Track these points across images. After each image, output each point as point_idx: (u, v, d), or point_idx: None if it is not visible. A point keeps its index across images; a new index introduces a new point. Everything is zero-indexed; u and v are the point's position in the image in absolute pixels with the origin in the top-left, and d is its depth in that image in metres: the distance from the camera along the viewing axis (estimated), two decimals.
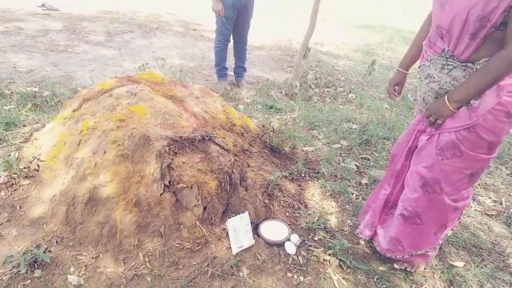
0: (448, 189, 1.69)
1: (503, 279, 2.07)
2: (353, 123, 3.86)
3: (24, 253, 1.75)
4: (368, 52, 7.37)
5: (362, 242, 2.22)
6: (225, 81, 4.59)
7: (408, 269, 2.03)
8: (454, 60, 1.51)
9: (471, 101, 1.50)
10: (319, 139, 3.47)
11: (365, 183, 2.84)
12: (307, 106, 4.22)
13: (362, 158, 3.22)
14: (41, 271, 1.72)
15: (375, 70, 5.75)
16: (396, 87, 2.01)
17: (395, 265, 2.06)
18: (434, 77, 1.60)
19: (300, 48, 4.37)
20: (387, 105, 4.55)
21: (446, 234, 1.94)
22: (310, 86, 4.94)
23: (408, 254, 1.94)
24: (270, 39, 7.24)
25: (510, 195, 2.91)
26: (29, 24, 5.88)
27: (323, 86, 5.06)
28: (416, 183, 1.75)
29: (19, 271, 1.69)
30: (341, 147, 3.36)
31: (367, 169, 3.04)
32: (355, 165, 3.08)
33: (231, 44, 4.44)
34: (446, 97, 1.54)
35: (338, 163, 3.06)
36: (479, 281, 2.04)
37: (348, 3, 13.30)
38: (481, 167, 1.65)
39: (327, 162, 3.01)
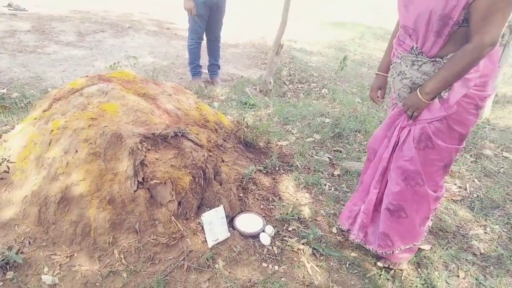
0: (431, 180, 1.75)
1: (466, 259, 2.20)
2: (326, 117, 3.95)
3: None
4: (340, 48, 7.51)
5: (335, 230, 2.30)
6: (199, 79, 4.60)
7: (391, 267, 2.03)
8: (423, 56, 1.57)
9: (442, 93, 1.57)
10: (293, 134, 3.54)
11: (338, 174, 2.92)
12: (281, 102, 4.29)
13: (334, 150, 3.31)
14: (14, 273, 1.71)
15: (347, 65, 5.88)
16: (379, 91, 2.01)
17: (379, 263, 2.05)
18: (406, 74, 1.66)
19: (273, 45, 4.43)
20: (358, 99, 4.68)
21: (428, 225, 2.00)
22: (284, 83, 5.02)
23: (398, 249, 1.93)
24: (244, 37, 7.28)
25: (474, 181, 3.06)
26: None
27: (297, 82, 5.14)
28: (399, 177, 1.78)
29: None
30: (314, 141, 3.44)
31: (340, 161, 3.13)
32: (328, 157, 3.16)
33: (204, 42, 4.46)
34: (418, 90, 1.60)
35: (312, 156, 3.14)
36: (445, 262, 2.16)
37: (320, 1, 13.47)
38: (454, 157, 1.73)
39: (300, 155, 3.08)
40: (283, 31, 4.26)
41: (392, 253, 1.95)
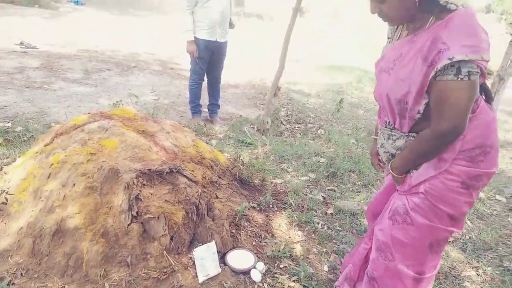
0: (404, 258, 1.57)
1: None
2: (321, 156, 4.03)
3: None
4: (337, 91, 7.75)
5: (326, 269, 2.31)
6: (199, 117, 4.75)
7: None
8: (397, 131, 1.52)
9: (410, 170, 1.50)
10: (288, 172, 3.61)
11: (331, 213, 2.96)
12: (278, 141, 4.39)
13: (328, 189, 3.37)
14: None
15: (344, 107, 6.06)
16: (379, 157, 1.83)
17: None
18: (384, 146, 1.61)
19: (271, 87, 4.62)
20: (353, 140, 4.79)
21: None
22: (281, 122, 5.16)
23: None
24: (244, 78, 7.54)
25: (467, 223, 3.08)
26: (6, 61, 5.95)
27: (294, 122, 5.28)
28: (374, 244, 1.68)
29: None
30: (309, 179, 3.50)
31: (333, 199, 3.18)
32: (322, 196, 3.21)
33: (205, 82, 4.65)
34: (389, 163, 1.56)
35: (306, 195, 3.19)
36: None
37: (319, 45, 14.03)
38: (443, 238, 1.53)
39: (295, 193, 3.13)
40: (280, 74, 4.46)
41: None
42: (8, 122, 3.72)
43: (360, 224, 2.88)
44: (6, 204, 2.23)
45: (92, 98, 4.94)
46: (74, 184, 2.04)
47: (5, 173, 2.46)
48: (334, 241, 2.64)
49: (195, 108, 4.73)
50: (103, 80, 5.87)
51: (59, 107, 4.44)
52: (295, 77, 8.14)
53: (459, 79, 1.22)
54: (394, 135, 1.54)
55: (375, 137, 1.84)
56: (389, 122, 1.56)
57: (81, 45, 7.89)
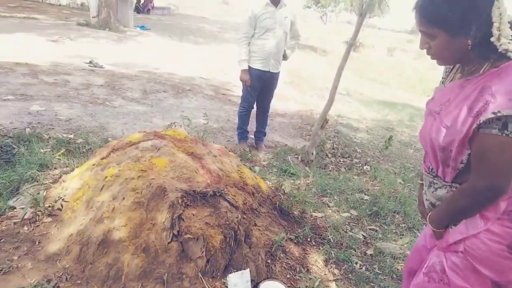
0: None
1: None
2: (365, 194, 3.93)
3: (34, 286, 1.87)
4: (387, 127, 7.57)
5: None
6: (245, 143, 4.84)
7: None
8: (439, 179, 1.40)
9: (449, 225, 1.38)
10: (329, 206, 3.54)
11: (371, 254, 2.85)
12: (321, 174, 4.35)
13: (370, 229, 3.26)
14: None
15: (393, 145, 5.89)
16: None
17: None
18: (426, 193, 1.50)
19: (319, 119, 4.63)
20: (400, 180, 4.62)
21: None
22: (326, 155, 5.11)
23: None
24: (292, 108, 7.62)
25: None
26: (75, 78, 6.51)
27: (339, 156, 5.21)
28: None
29: None
30: (351, 216, 3.41)
31: (374, 240, 3.06)
32: (363, 235, 3.11)
33: (254, 110, 4.77)
34: (428, 215, 1.45)
35: (346, 232, 3.10)
36: None
37: (371, 81, 13.89)
38: None
39: (334, 229, 3.06)
40: (330, 106, 4.46)
41: None
42: (71, 134, 4.03)
43: (401, 270, 2.73)
44: (61, 210, 2.40)
45: (147, 117, 5.23)
46: (123, 198, 2.16)
47: (63, 181, 2.66)
48: (372, 284, 2.53)
49: (242, 134, 4.84)
50: (158, 100, 6.21)
51: (117, 123, 4.74)
52: (344, 110, 8.09)
53: (503, 134, 1.12)
54: (436, 183, 1.42)
55: (422, 182, 1.67)
56: (432, 169, 1.44)
57: (142, 66, 8.45)
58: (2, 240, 2.19)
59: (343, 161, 5.08)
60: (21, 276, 1.97)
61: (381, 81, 14.16)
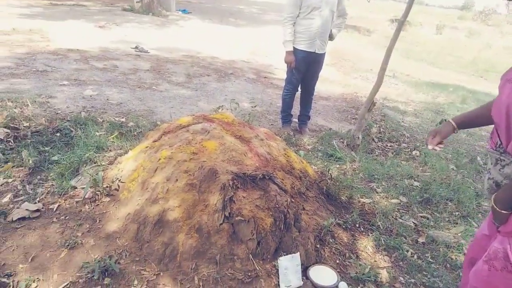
0: None
1: None
2: (414, 180, 3.78)
3: (98, 261, 1.99)
4: (437, 111, 7.20)
5: None
6: (288, 126, 4.80)
7: None
8: (508, 156, 1.34)
9: None
10: (377, 192, 3.45)
11: (422, 242, 2.76)
12: (368, 159, 4.23)
13: (421, 216, 3.14)
14: (110, 280, 1.93)
15: None
16: (436, 138, 1.70)
17: None
18: (491, 173, 1.44)
19: (366, 101, 4.47)
20: (453, 166, 4.40)
21: None
22: (373, 139, 4.96)
23: None
24: (336, 91, 7.43)
25: None
26: (123, 63, 6.72)
27: (386, 141, 5.04)
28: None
29: (93, 276, 1.92)
30: (400, 203, 3.31)
31: (426, 228, 2.95)
32: (413, 222, 3.01)
33: (298, 93, 4.70)
34: (492, 199, 1.38)
35: (395, 219, 3.02)
36: None
37: (418, 61, 13.22)
38: None
39: (383, 216, 2.99)
40: (377, 89, 4.30)
41: None
42: (123, 118, 4.19)
43: (456, 259, 2.63)
44: (118, 190, 2.52)
45: (193, 101, 5.32)
46: (176, 180, 2.23)
47: (119, 163, 2.78)
48: (425, 272, 2.45)
49: (286, 117, 4.80)
50: (202, 84, 6.29)
51: (164, 107, 4.87)
52: (390, 92, 7.78)
53: None
54: (504, 160, 1.35)
55: (451, 121, 1.67)
56: (499, 144, 1.37)
57: (185, 50, 8.56)
58: (66, 217, 2.35)
59: (390, 146, 4.91)
60: (85, 252, 2.10)
61: (429, 61, 13.42)
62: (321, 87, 6.36)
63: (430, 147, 1.73)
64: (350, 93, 7.40)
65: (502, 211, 1.33)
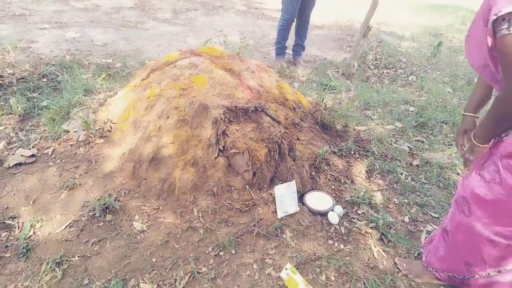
0: (483, 215, 1.46)
1: None
2: (410, 105, 3.76)
3: (98, 200, 2.03)
4: (435, 34, 6.96)
5: (406, 219, 2.24)
6: (282, 59, 4.66)
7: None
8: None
9: (502, 136, 1.35)
10: (372, 119, 3.45)
11: (416, 165, 2.80)
12: (363, 87, 4.17)
13: (416, 140, 3.17)
14: (112, 216, 1.99)
15: (441, 52, 5.46)
16: (465, 136, 1.63)
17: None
18: None
19: (361, 26, 4.29)
20: (449, 89, 4.34)
21: (489, 274, 1.59)
22: (369, 67, 4.85)
23: (433, 269, 1.80)
24: (331, 18, 7.11)
25: None
26: (105, 1, 6.35)
27: (382, 67, 4.93)
28: (454, 197, 1.62)
29: (95, 214, 1.98)
30: (395, 128, 3.31)
31: (420, 151, 2.99)
32: (408, 146, 3.04)
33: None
34: (472, 135, 1.44)
35: (390, 144, 3.04)
36: None
37: None
38: None
39: (378, 141, 3.01)
40: (373, 12, 4.09)
41: (436, 271, 1.81)
42: (109, 59, 4.05)
43: (449, 178, 2.69)
44: (110, 131, 2.50)
45: (181, 38, 5.11)
46: (168, 117, 2.20)
47: (109, 104, 2.73)
48: (418, 193, 2.53)
49: (280, 49, 4.64)
50: (190, 20, 6.00)
51: (151, 45, 4.69)
52: (386, 17, 7.45)
53: (501, 36, 1.12)
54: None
55: (466, 113, 1.63)
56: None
57: None
58: (62, 161, 2.36)
59: (386, 73, 4.81)
60: (85, 192, 2.14)
61: None
62: (314, 15, 6.07)
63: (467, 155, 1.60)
64: (345, 20, 7.10)
65: (481, 145, 1.41)
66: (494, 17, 1.12)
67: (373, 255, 1.96)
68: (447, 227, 1.67)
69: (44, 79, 3.35)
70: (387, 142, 3.06)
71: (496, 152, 1.39)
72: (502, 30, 1.13)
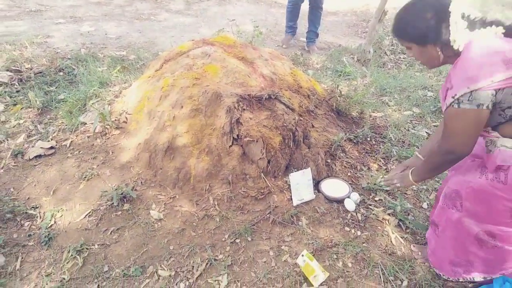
0: (473, 212, 1.46)
1: None
2: (428, 90, 3.67)
3: (116, 189, 2.06)
4: None
5: (425, 206, 2.20)
6: (291, 36, 4.65)
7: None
8: None
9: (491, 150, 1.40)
10: (389, 106, 3.38)
11: None
12: (379, 73, 4.08)
13: (434, 125, 3.09)
14: (129, 205, 2.02)
15: None
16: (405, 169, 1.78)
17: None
18: None
19: (376, 11, 4.18)
20: None
21: (473, 278, 1.60)
22: (385, 52, 4.74)
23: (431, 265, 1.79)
24: (345, 4, 6.97)
25: None
26: None
27: (399, 53, 4.81)
28: (443, 192, 1.60)
29: (113, 203, 2.01)
30: (413, 114, 3.24)
31: None
32: (426, 132, 2.97)
33: (306, 8, 4.43)
34: (410, 171, 1.60)
35: (408, 130, 2.98)
36: None
37: None
38: None
39: (395, 128, 2.95)
40: None
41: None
42: (123, 51, 4.08)
43: None
44: (126, 122, 2.53)
45: (194, 28, 5.10)
46: (182, 106, 2.20)
47: (124, 96, 2.75)
48: (437, 179, 2.47)
49: (289, 28, 4.67)
50: (202, 10, 5.98)
51: (164, 37, 4.70)
52: (402, 0, 7.25)
53: (459, 107, 1.26)
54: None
55: (419, 155, 1.76)
56: None
57: None
58: (80, 152, 2.40)
59: (403, 58, 4.69)
60: (103, 182, 2.18)
61: None
62: (328, 1, 5.96)
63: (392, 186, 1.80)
64: (360, 6, 6.94)
65: (413, 183, 1.59)
66: (452, 100, 1.27)
67: (391, 241, 1.94)
68: (435, 220, 1.66)
69: (61, 73, 3.41)
70: (405, 128, 3.00)
71: (487, 165, 1.41)
72: (451, 103, 1.28)
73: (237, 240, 1.89)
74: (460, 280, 1.63)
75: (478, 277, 1.58)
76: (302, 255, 1.75)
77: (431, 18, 1.30)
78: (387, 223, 2.04)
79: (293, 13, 4.45)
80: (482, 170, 1.42)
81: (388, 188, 2.12)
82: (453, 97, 1.26)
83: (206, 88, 2.22)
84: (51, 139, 2.51)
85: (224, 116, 2.11)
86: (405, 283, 1.72)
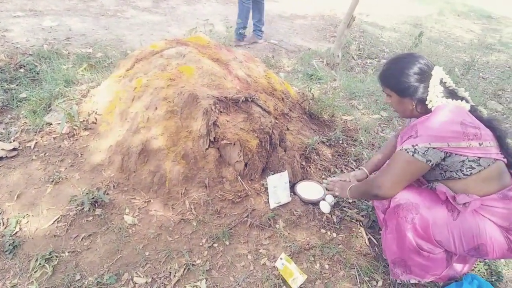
0: (420, 227, 1.50)
1: None
2: None
3: (86, 194, 1.97)
4: (415, 24, 7.06)
5: None
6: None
7: None
8: None
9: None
10: (358, 109, 3.48)
11: None
12: (348, 77, 4.20)
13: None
14: (101, 210, 1.94)
15: (422, 42, 5.54)
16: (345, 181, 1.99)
17: None
18: None
19: (345, 17, 4.30)
20: None
21: (408, 281, 1.67)
22: (352, 57, 4.88)
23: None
24: (313, 9, 7.10)
25: None
26: None
27: (365, 57, 4.97)
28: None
29: (83, 208, 1.92)
30: (381, 118, 3.36)
31: None
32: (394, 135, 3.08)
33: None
34: (349, 187, 1.80)
35: (377, 133, 3.08)
36: None
37: None
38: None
39: (365, 131, 3.04)
40: (357, 2, 4.11)
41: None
42: (89, 48, 3.92)
43: None
44: (95, 123, 2.43)
45: (163, 27, 5.00)
46: (156, 108, 2.15)
47: (92, 96, 2.64)
48: None
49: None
50: (171, 8, 5.87)
51: (133, 34, 4.56)
52: (368, 7, 7.51)
53: (412, 155, 1.43)
54: None
55: (363, 167, 2.06)
56: None
57: None
58: (46, 154, 2.28)
59: (370, 62, 4.86)
60: (71, 186, 2.08)
61: None
62: (297, 5, 6.05)
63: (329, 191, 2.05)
64: (328, 10, 7.10)
65: (348, 198, 1.85)
66: (411, 147, 1.42)
67: (365, 242, 1.99)
68: (386, 220, 1.66)
69: (22, 70, 3.22)
70: (374, 131, 3.10)
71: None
72: (408, 149, 1.43)
73: (215, 245, 1.86)
74: (397, 282, 1.70)
75: (413, 280, 1.65)
76: (281, 258, 1.76)
77: (414, 76, 1.49)
78: (361, 224, 2.09)
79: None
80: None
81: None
82: (413, 145, 1.42)
83: (182, 89, 2.18)
84: (13, 140, 2.36)
85: (201, 119, 2.08)
86: (380, 283, 1.78)
